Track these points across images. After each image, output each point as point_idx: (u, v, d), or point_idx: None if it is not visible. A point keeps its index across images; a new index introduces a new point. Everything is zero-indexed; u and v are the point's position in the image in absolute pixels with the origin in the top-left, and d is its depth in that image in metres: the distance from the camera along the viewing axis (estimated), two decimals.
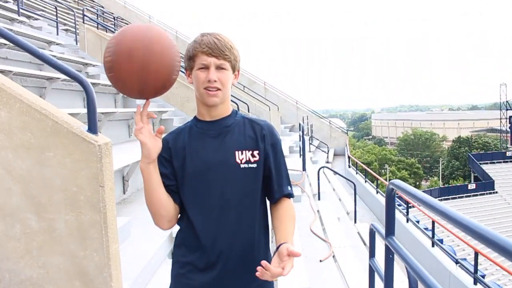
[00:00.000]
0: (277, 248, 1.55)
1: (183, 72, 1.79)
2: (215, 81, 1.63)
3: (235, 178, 1.68)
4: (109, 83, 8.07)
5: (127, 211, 4.60)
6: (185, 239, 1.73)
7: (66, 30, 13.77)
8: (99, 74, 9.18)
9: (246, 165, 1.68)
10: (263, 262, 1.44)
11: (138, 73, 1.52)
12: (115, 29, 13.42)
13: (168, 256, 3.82)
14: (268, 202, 1.80)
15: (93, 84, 7.25)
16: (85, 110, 2.38)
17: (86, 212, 2.23)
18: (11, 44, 2.52)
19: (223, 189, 1.67)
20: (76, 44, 11.36)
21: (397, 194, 2.40)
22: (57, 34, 11.73)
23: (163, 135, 1.72)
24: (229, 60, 1.66)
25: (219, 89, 1.65)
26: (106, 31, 12.49)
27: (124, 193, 5.23)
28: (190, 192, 1.70)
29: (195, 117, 1.78)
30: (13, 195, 2.22)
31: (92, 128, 2.29)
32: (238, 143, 1.70)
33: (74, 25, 12.26)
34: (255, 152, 1.70)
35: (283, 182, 1.76)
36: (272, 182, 1.74)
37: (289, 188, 1.78)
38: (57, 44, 9.68)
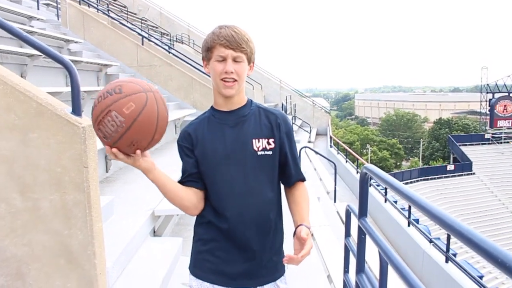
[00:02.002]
0: (295, 229, 1.71)
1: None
2: (231, 72, 1.71)
3: (254, 165, 1.76)
4: (92, 60, 7.96)
5: (110, 190, 4.66)
6: (209, 222, 1.81)
7: (47, 4, 13.49)
8: (81, 51, 9.07)
9: (263, 153, 1.77)
10: (287, 255, 1.63)
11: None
12: (97, 5, 13.19)
13: (150, 234, 3.90)
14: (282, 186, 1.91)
15: (76, 61, 7.19)
16: (67, 89, 2.41)
17: (70, 192, 2.28)
18: None
19: (243, 176, 1.76)
20: (58, 19, 11.15)
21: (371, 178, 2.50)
22: (38, 8, 11.49)
23: (183, 127, 1.84)
24: (245, 52, 1.73)
25: (235, 80, 1.73)
26: (89, 7, 12.27)
27: (107, 171, 5.28)
28: (212, 180, 1.78)
29: (212, 107, 1.85)
30: None
31: (76, 110, 2.33)
32: (255, 131, 1.78)
33: None
34: (271, 140, 1.79)
35: (298, 167, 1.88)
36: (289, 168, 1.85)
37: (302, 172, 1.89)
38: (37, 19, 9.49)
